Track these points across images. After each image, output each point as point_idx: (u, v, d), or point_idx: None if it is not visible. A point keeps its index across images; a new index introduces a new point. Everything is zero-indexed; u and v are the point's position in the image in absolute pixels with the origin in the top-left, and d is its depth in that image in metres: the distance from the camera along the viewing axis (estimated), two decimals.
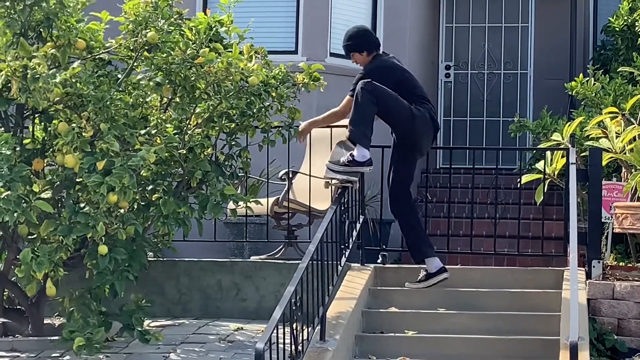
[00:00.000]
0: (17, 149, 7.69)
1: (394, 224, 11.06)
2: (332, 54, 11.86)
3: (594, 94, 11.24)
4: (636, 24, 12.54)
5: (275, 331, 6.43)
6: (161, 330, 8.22)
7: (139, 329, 7.84)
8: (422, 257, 8.62)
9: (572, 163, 8.76)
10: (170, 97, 8.13)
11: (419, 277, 8.60)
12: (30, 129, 8.13)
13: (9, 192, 7.24)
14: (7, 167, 7.31)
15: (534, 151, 12.07)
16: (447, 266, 8.69)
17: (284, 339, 6.58)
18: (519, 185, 10.04)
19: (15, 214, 7.25)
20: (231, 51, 8.10)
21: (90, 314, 7.64)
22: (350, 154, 8.20)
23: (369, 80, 8.27)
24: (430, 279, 8.55)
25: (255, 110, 8.18)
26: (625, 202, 9.04)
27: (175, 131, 7.97)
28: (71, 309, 7.87)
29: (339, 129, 8.80)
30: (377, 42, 8.72)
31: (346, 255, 8.39)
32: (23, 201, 7.28)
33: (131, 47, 8.04)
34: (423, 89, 8.74)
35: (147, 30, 7.90)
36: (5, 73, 7.36)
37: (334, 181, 8.40)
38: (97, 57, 8.10)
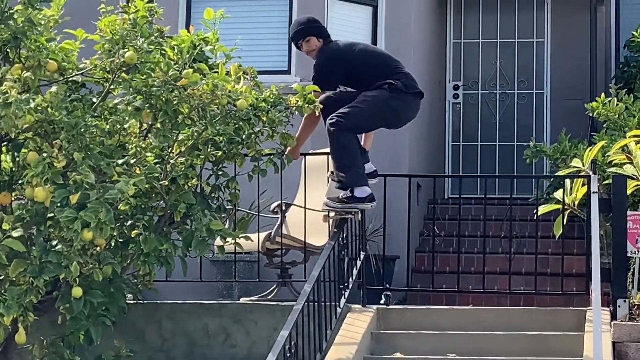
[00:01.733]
0: None
1: (398, 261, 11.13)
2: None
3: (617, 116, 11.29)
4: None
5: None
6: None
7: None
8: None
9: (593, 192, 8.79)
10: (150, 123, 8.15)
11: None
12: None
13: None
14: None
15: (552, 179, 12.12)
16: (457, 307, 8.70)
17: None
18: (535, 217, 10.06)
19: None
20: (217, 72, 8.13)
21: None
22: (350, 189, 8.30)
23: (337, 116, 8.43)
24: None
25: (244, 137, 8.20)
26: None
27: (156, 160, 7.98)
28: (42, 358, 7.87)
29: None
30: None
31: (346, 296, 8.41)
32: None
33: (107, 69, 8.05)
34: (387, 62, 8.83)
35: (125, 50, 7.92)
36: None
37: (331, 213, 8.48)
38: (70, 79, 8.12)
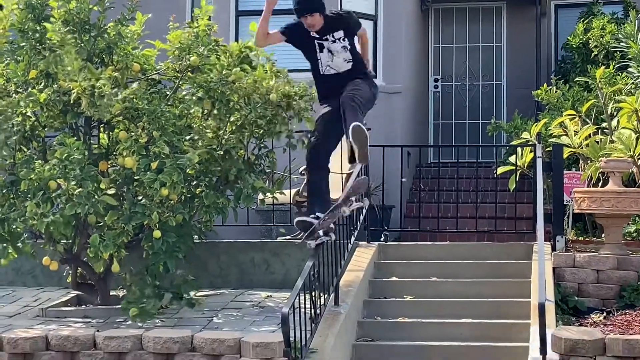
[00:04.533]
0: (86, 153, 7.71)
1: (394, 209, 11.09)
2: None
3: (556, 100, 11.21)
4: (589, 42, 12.51)
5: (297, 298, 6.44)
6: (205, 299, 8.24)
7: (186, 297, 7.85)
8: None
9: (538, 157, 8.74)
10: (209, 109, 8.13)
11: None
12: (98, 137, 8.15)
13: (80, 189, 7.27)
14: (79, 168, 7.33)
15: (508, 147, 12.03)
16: (438, 243, 8.63)
17: (305, 304, 6.59)
18: (495, 176, 10.02)
19: (86, 207, 7.27)
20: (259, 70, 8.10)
21: (145, 287, 7.65)
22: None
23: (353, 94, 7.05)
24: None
25: (279, 119, 8.16)
26: (582, 188, 9.02)
27: (214, 137, 7.97)
28: (130, 283, 7.89)
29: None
30: None
31: (355, 235, 8.39)
32: (92, 196, 7.31)
33: (177, 69, 8.04)
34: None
35: (190, 55, 7.91)
36: (76, 91, 7.39)
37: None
38: (149, 77, 8.11)
